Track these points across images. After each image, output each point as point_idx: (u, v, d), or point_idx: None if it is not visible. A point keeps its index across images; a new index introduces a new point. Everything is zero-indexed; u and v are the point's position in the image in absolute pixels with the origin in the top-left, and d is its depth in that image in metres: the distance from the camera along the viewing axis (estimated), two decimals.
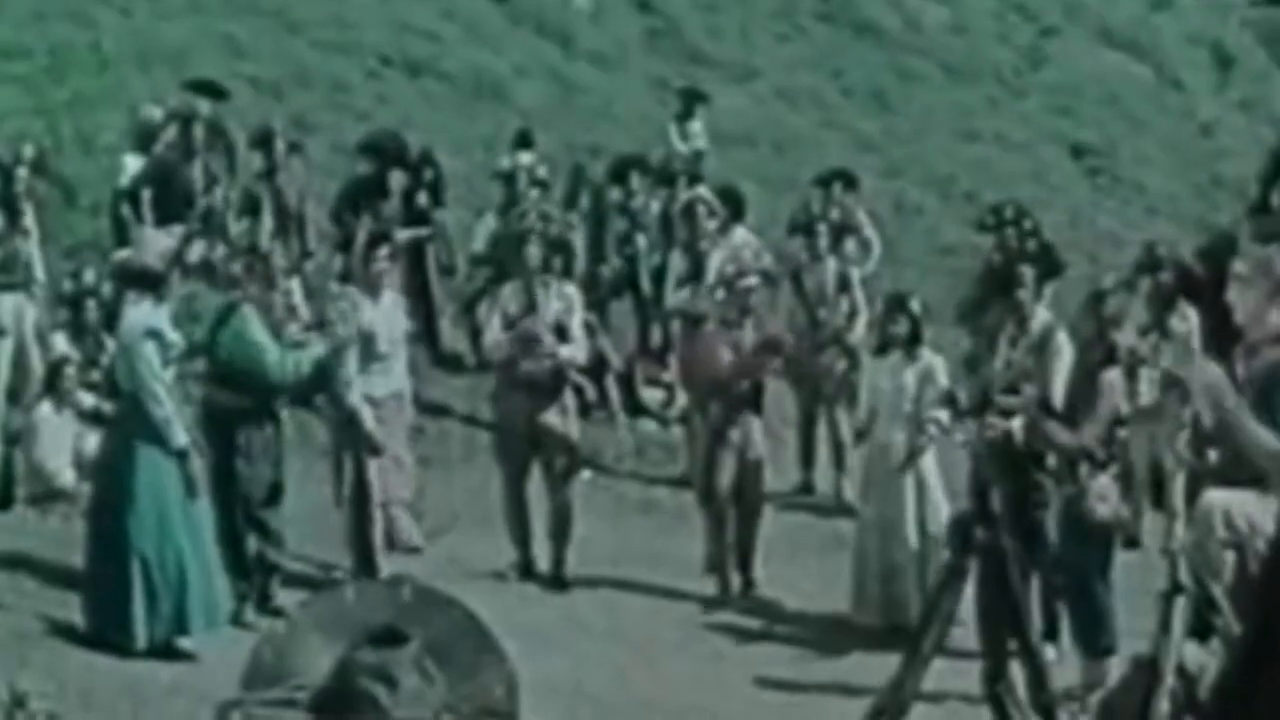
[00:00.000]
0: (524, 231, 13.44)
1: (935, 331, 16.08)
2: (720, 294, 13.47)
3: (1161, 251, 13.97)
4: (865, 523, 12.64)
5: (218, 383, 11.86)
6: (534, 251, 13.17)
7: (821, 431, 15.29)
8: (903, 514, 12.34)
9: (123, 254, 14.55)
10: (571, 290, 13.40)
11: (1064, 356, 11.90)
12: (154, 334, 11.05)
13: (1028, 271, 13.16)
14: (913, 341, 12.62)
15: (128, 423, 11.27)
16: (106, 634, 10.96)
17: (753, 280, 13.35)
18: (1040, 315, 12.81)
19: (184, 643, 11.01)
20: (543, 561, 13.05)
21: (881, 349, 12.84)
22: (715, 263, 15.24)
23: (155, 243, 12.77)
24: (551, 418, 12.93)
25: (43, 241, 15.02)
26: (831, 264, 15.45)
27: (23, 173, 14.81)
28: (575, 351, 13.07)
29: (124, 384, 11.32)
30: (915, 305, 12.84)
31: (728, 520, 13.00)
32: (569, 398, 13.11)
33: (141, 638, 10.91)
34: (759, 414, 13.15)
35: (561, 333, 12.98)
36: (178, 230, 14.17)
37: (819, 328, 15.16)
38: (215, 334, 11.71)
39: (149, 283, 11.32)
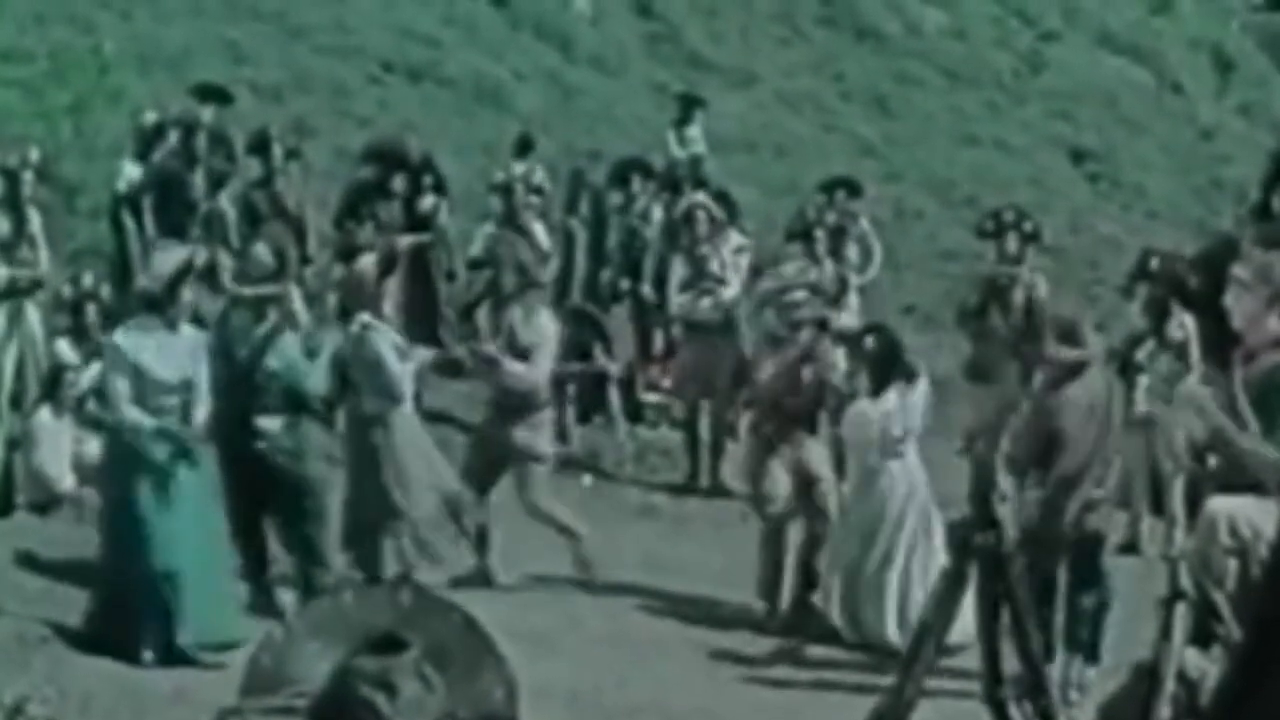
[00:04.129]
0: (497, 258, 13.58)
1: (935, 336, 16.14)
2: (770, 314, 12.96)
3: (1154, 264, 13.96)
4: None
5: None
6: (508, 279, 13.19)
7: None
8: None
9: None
10: (543, 319, 13.11)
11: None
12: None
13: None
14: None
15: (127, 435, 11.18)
16: (117, 642, 10.94)
17: (799, 294, 12.77)
18: None
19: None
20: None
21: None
22: (713, 267, 15.27)
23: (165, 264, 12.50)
24: (521, 435, 12.79)
25: (45, 246, 15.03)
26: (829, 269, 15.42)
27: (29, 177, 14.82)
28: (530, 373, 12.77)
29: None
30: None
31: (786, 537, 12.57)
32: (541, 416, 12.96)
33: (145, 652, 10.86)
34: (813, 432, 12.65)
35: (524, 354, 12.78)
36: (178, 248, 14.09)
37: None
38: None
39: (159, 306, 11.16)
